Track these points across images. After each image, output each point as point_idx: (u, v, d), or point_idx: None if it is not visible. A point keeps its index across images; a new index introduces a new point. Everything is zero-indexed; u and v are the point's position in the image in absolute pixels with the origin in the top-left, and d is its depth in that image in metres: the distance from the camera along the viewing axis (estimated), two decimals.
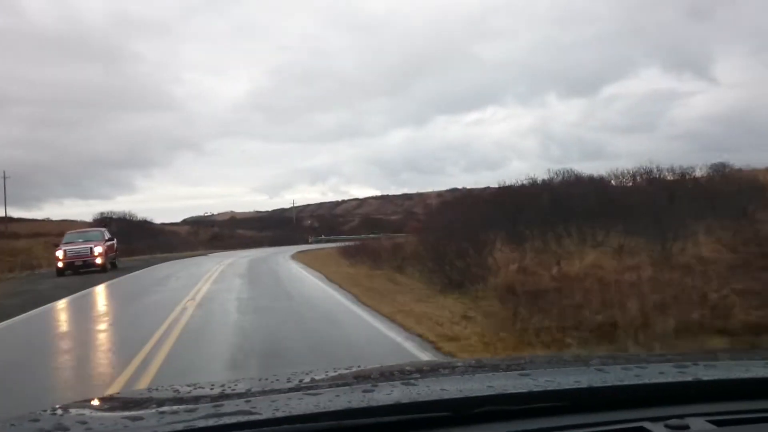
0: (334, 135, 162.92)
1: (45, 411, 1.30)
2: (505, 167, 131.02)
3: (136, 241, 48.92)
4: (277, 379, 1.66)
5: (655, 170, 24.46)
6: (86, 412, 1.40)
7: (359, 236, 54.13)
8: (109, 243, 26.46)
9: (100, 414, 1.44)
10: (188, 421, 1.16)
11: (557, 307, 10.71)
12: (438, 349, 7.38)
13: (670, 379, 1.41)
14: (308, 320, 9.75)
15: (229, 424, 1.14)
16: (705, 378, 1.41)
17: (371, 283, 16.74)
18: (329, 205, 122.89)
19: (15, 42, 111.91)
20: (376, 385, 1.39)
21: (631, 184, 25.28)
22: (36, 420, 1.23)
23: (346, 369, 1.82)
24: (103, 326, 10.55)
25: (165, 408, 1.31)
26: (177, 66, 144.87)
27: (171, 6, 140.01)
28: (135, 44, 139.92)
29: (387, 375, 1.73)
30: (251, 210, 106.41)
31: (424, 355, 7.03)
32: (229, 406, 1.26)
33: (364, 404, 1.24)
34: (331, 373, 1.73)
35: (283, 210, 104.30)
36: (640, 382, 1.38)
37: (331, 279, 17.41)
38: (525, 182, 22.61)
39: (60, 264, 24.41)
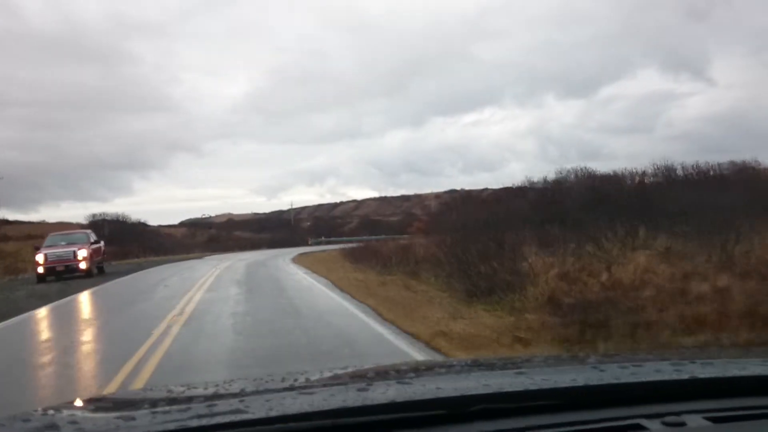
0: (331, 136, 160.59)
1: (36, 411, 1.27)
2: (503, 168, 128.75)
3: (130, 244, 46.79)
4: (272, 379, 1.60)
5: (679, 168, 22.35)
6: (78, 412, 1.38)
7: (360, 238, 52.34)
8: (95, 246, 24.07)
9: (91, 414, 1.39)
10: (181, 421, 1.13)
11: (622, 323, 8.72)
12: None
13: (666, 377, 1.39)
14: (326, 352, 7.28)
15: (222, 424, 1.11)
16: (702, 376, 1.40)
17: (386, 291, 14.44)
18: (327, 207, 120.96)
19: (11, 43, 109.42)
20: (371, 384, 1.36)
21: (659, 180, 23.12)
22: (27, 420, 1.20)
23: (342, 369, 1.78)
24: (60, 355, 8.16)
25: (158, 408, 1.27)
26: (174, 67, 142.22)
27: (168, 7, 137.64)
28: (132, 45, 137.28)
29: (382, 374, 1.72)
30: (249, 212, 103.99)
31: None
32: (222, 405, 1.22)
33: (359, 403, 1.21)
34: (327, 373, 1.67)
35: (281, 212, 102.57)
36: (636, 380, 1.37)
37: (339, 286, 15.09)
38: (552, 178, 20.19)
39: (40, 269, 22.03)
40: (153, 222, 65.99)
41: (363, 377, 1.63)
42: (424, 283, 17.05)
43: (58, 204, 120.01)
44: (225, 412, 1.17)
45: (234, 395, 1.36)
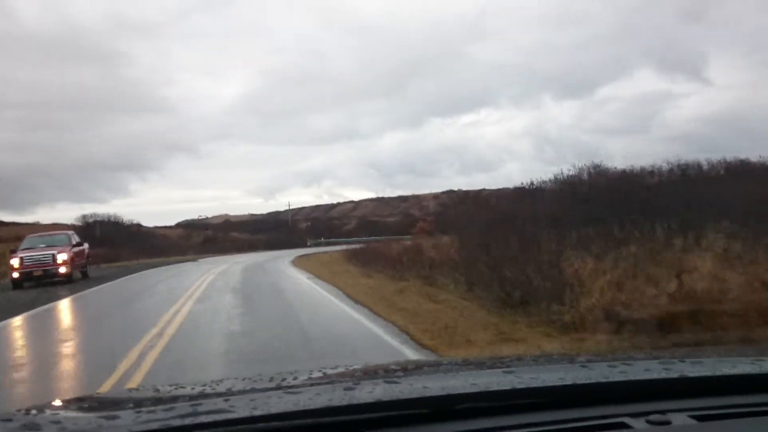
0: (329, 137, 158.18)
1: (19, 411, 1.23)
2: (501, 169, 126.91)
3: (123, 246, 44.37)
4: (260, 378, 1.56)
5: (704, 164, 20.11)
6: (61, 411, 1.33)
7: (360, 239, 50.22)
8: (77, 248, 21.70)
9: (75, 414, 1.32)
10: (164, 420, 1.10)
11: (712, 347, 6.43)
12: None
13: (655, 376, 1.37)
14: None
15: (206, 423, 1.09)
16: (691, 374, 1.37)
17: (406, 301, 12.17)
18: (324, 208, 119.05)
19: (8, 45, 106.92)
20: (358, 383, 1.31)
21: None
22: (8, 420, 1.15)
23: (332, 368, 1.71)
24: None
25: (142, 407, 1.22)
26: (170, 68, 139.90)
27: (164, 8, 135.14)
28: (128, 46, 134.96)
29: (371, 373, 1.69)
30: (246, 213, 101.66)
31: None
32: (207, 405, 1.18)
33: (344, 402, 1.17)
34: (315, 373, 1.62)
35: (278, 213, 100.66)
36: (624, 378, 1.35)
37: (352, 296, 12.81)
38: (587, 172, 17.81)
39: (15, 274, 19.66)
40: (150, 223, 64.04)
41: (351, 376, 1.59)
42: (443, 290, 14.86)
43: (55, 205, 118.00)
44: (209, 411, 1.13)
45: (220, 395, 1.32)
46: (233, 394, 1.35)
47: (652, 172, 20.66)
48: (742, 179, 18.29)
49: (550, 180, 18.02)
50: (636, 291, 10.28)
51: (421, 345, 7.36)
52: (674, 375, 1.35)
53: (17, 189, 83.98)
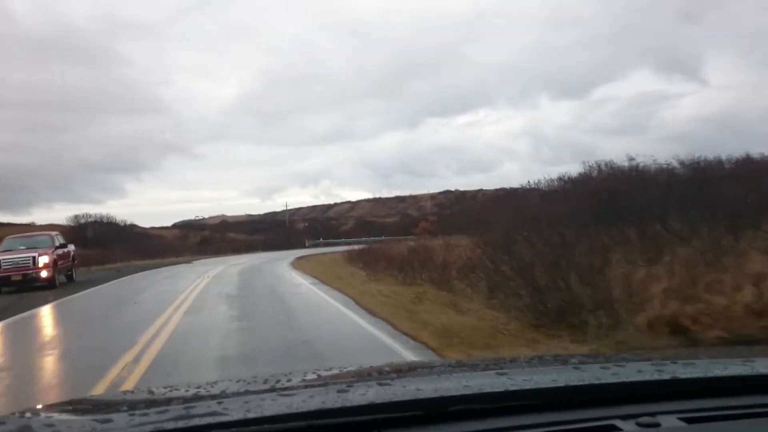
0: (325, 138, 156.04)
1: (14, 414, 1.20)
2: (497, 169, 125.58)
3: (116, 247, 42.39)
4: (254, 380, 1.53)
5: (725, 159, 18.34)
6: (55, 415, 1.27)
7: (360, 239, 48.54)
8: (60, 251, 19.85)
9: (68, 417, 1.28)
10: (157, 423, 1.08)
11: None
12: None
13: (647, 378, 1.35)
14: None
15: (199, 426, 1.08)
16: (683, 376, 1.36)
17: (428, 312, 10.40)
18: (321, 208, 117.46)
19: (2, 46, 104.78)
20: (351, 386, 1.28)
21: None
22: (2, 423, 1.14)
23: (325, 370, 1.68)
24: None
25: (136, 410, 1.19)
26: (166, 69, 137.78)
27: (159, 8, 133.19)
28: (123, 47, 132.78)
29: (364, 375, 1.68)
30: (243, 213, 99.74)
31: None
32: (200, 407, 1.17)
33: (337, 404, 1.16)
34: (310, 375, 1.59)
35: (275, 213, 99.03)
36: (617, 380, 1.33)
37: (365, 306, 11.04)
38: (623, 167, 15.89)
39: None
40: (146, 224, 62.21)
41: (345, 378, 1.57)
42: (460, 295, 13.20)
43: (51, 206, 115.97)
44: (202, 414, 1.12)
45: (213, 397, 1.31)
46: (227, 396, 1.33)
47: (673, 168, 18.91)
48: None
49: (569, 178, 16.15)
50: (701, 301, 8.57)
51: None
52: (666, 376, 1.33)
53: (13, 190, 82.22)
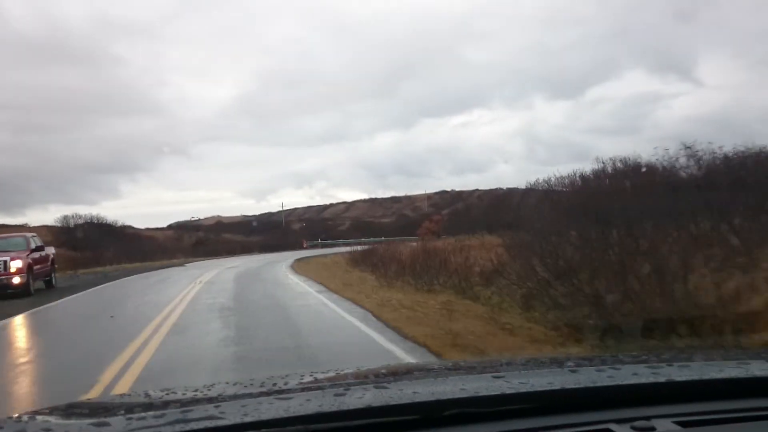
0: (320, 138, 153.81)
1: (11, 418, 1.20)
2: (492, 170, 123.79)
3: (107, 248, 40.08)
4: (252, 384, 1.47)
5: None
6: (52, 418, 1.25)
7: (359, 240, 46.45)
8: (37, 254, 17.62)
9: (65, 420, 1.26)
10: (154, 427, 1.06)
11: None
12: None
13: (642, 380, 1.32)
14: None
15: (196, 430, 1.05)
16: (677, 379, 1.33)
17: (469, 331, 8.30)
18: (317, 209, 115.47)
19: None
20: (348, 389, 1.27)
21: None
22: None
23: (323, 372, 1.65)
24: None
25: (133, 414, 1.18)
26: (161, 70, 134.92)
27: (154, 9, 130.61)
28: (118, 48, 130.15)
29: (361, 378, 1.62)
30: (238, 214, 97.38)
31: None
32: (197, 411, 1.14)
33: (334, 408, 1.14)
34: (307, 378, 1.55)
35: (270, 214, 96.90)
36: (612, 383, 1.30)
37: (389, 322, 8.88)
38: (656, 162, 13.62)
39: None
40: (141, 225, 59.93)
41: (342, 382, 1.52)
42: (488, 305, 11.24)
43: (46, 207, 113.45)
44: (199, 418, 1.10)
45: (211, 400, 1.28)
46: (224, 399, 1.29)
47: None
48: None
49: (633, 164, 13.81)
50: None
51: None
52: (661, 379, 1.31)
53: (7, 191, 79.70)
